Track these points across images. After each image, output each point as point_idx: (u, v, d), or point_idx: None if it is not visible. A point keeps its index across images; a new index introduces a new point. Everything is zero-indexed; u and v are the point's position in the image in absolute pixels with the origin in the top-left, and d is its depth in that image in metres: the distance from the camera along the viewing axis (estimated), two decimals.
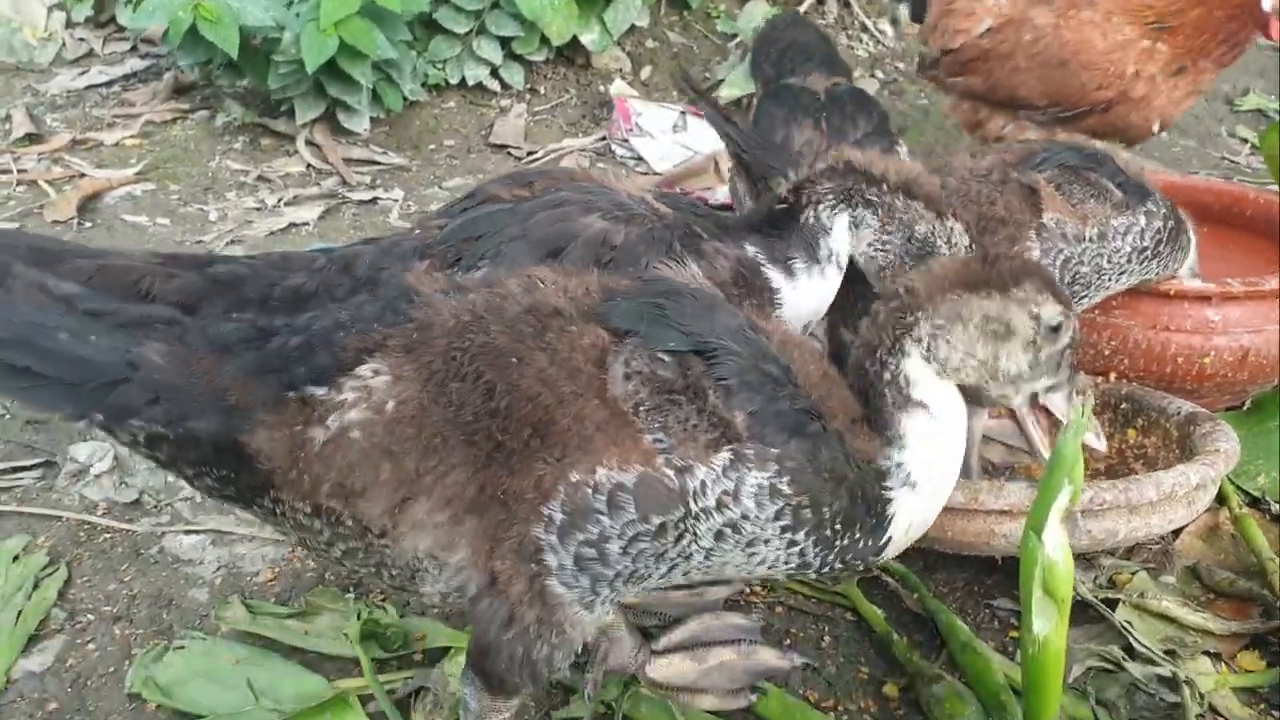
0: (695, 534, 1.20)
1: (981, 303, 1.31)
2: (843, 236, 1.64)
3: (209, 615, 1.72)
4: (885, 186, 1.63)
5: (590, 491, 1.15)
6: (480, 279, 1.29)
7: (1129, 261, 1.94)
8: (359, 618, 1.68)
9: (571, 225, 1.53)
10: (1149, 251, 1.95)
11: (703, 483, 1.17)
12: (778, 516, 1.21)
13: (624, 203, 1.58)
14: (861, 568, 1.42)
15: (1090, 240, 1.89)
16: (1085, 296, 1.94)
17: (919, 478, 1.29)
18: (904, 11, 4.10)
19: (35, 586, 1.76)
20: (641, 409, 1.17)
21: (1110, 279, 1.94)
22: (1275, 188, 2.71)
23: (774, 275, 1.62)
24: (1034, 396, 1.39)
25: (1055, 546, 1.27)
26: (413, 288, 1.26)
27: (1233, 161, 4.16)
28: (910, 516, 1.31)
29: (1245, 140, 4.29)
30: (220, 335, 1.23)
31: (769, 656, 1.61)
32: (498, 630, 1.21)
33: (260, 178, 3.33)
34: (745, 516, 1.20)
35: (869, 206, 1.64)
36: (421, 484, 1.16)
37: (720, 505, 1.18)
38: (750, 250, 1.61)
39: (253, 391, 1.18)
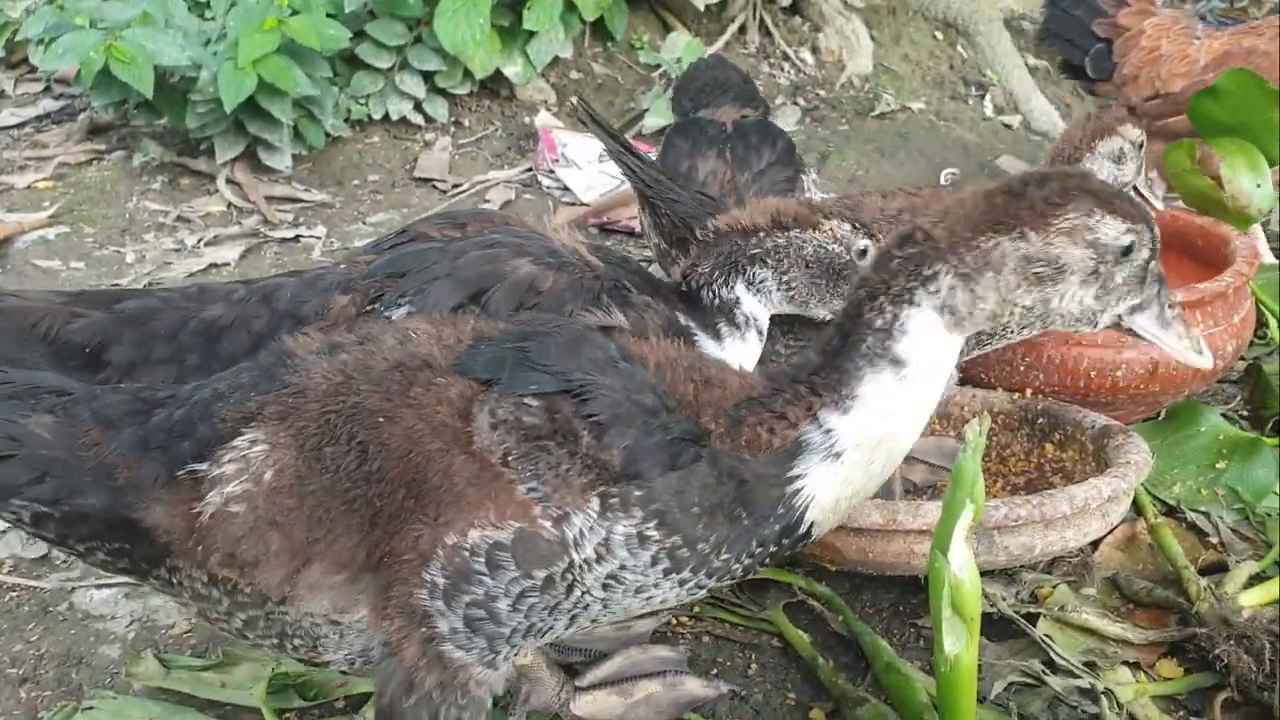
0: (584, 584, 1.16)
1: (1016, 245, 1.17)
2: (750, 300, 1.65)
3: (121, 673, 1.67)
4: (759, 234, 1.63)
5: (468, 554, 1.11)
6: (359, 334, 1.26)
7: None
8: (273, 670, 1.64)
9: (499, 267, 1.51)
10: None
11: (580, 531, 1.13)
12: (654, 562, 1.16)
13: (556, 250, 1.57)
14: (790, 556, 1.34)
15: None
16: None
17: (847, 445, 1.19)
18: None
19: None
20: (511, 458, 1.13)
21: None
22: (1181, 204, 2.78)
23: (706, 342, 1.63)
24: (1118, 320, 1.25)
25: (961, 565, 1.27)
26: (289, 350, 1.23)
27: (1148, 177, 4.27)
28: (834, 490, 1.21)
29: (1163, 157, 4.41)
30: (105, 408, 1.19)
31: (695, 686, 1.60)
32: (399, 696, 1.17)
33: (179, 218, 3.28)
34: (624, 566, 1.16)
35: (754, 262, 1.64)
36: (313, 550, 1.13)
37: (599, 556, 1.14)
38: (682, 318, 1.62)
39: (142, 469, 1.15)
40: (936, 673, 1.36)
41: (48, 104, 3.89)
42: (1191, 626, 1.69)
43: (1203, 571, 1.80)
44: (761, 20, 4.74)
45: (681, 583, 1.20)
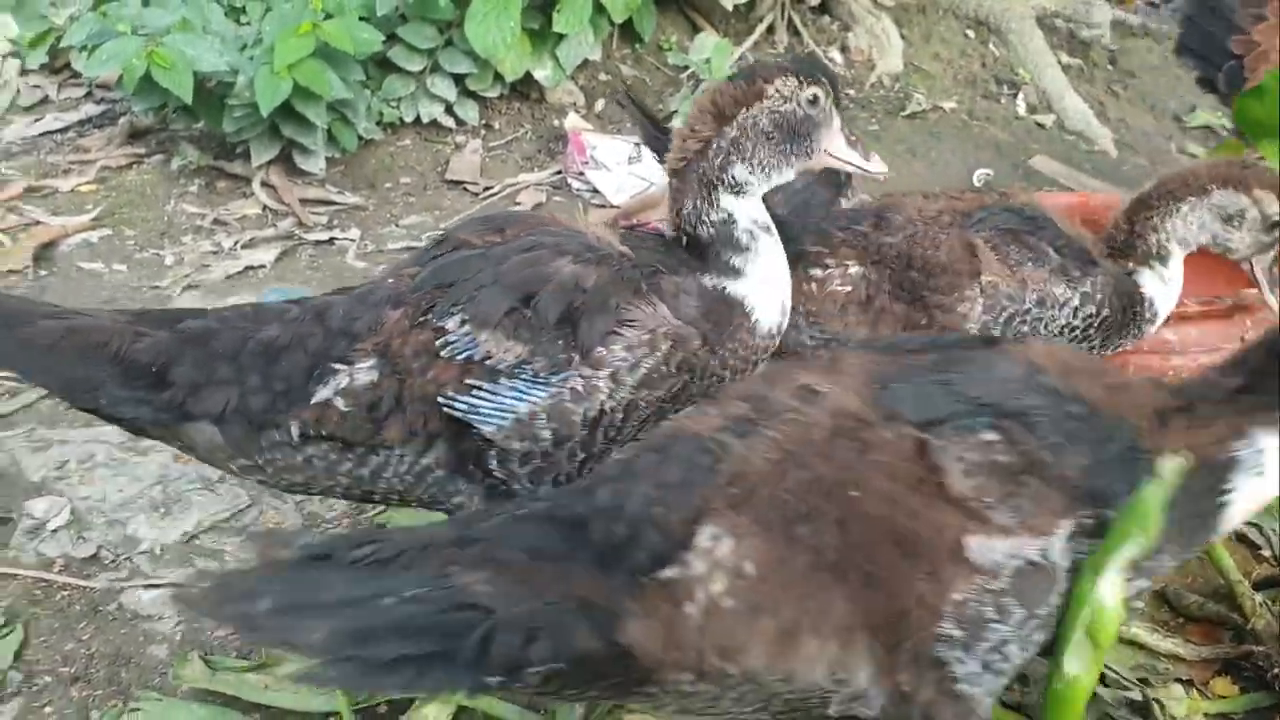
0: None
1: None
2: (742, 207, 1.61)
3: (168, 673, 1.70)
4: (712, 141, 1.58)
5: (977, 604, 1.13)
6: (752, 404, 1.25)
7: (1057, 338, 1.92)
8: None
9: (543, 270, 1.52)
10: (1078, 333, 1.93)
11: (1062, 559, 1.15)
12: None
13: (593, 245, 1.57)
14: None
15: (1032, 304, 1.89)
16: None
17: (1271, 465, 1.25)
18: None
19: None
20: (991, 499, 1.13)
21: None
22: None
23: (729, 285, 1.60)
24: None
25: (1110, 594, 1.22)
26: (703, 440, 1.21)
27: None
28: (1247, 507, 1.28)
29: (1195, 156, 4.39)
30: (529, 544, 1.15)
31: None
32: None
33: (216, 221, 3.32)
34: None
35: (725, 169, 1.59)
36: (805, 624, 1.12)
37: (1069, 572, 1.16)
38: (707, 280, 1.60)
39: (609, 590, 1.12)
40: (1049, 688, 1.32)
41: (89, 109, 3.94)
42: (1247, 644, 1.66)
43: (1256, 586, 1.77)
44: (790, 20, 4.73)
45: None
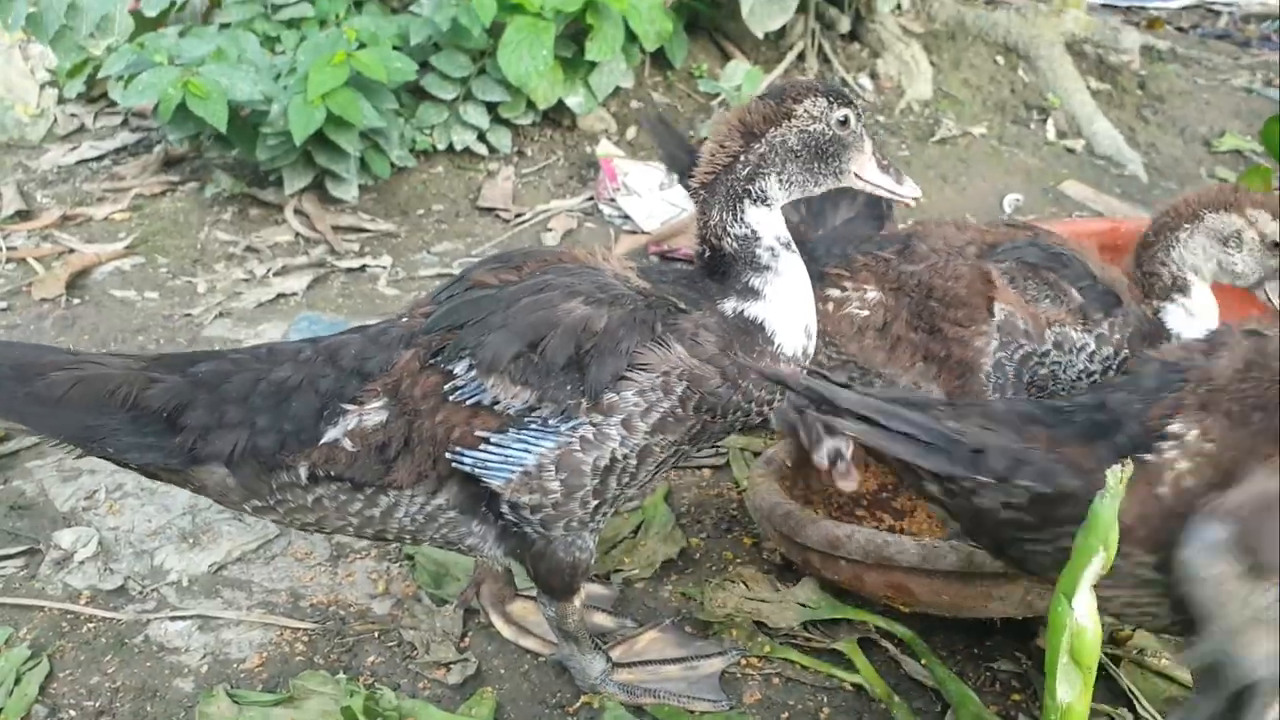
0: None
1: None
2: (765, 221, 1.58)
3: (194, 707, 1.69)
4: (740, 156, 1.56)
5: None
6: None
7: (1076, 381, 1.89)
8: (351, 696, 1.65)
9: (552, 314, 1.49)
10: (1098, 377, 1.89)
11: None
12: None
13: (607, 284, 1.54)
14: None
15: (1050, 346, 1.88)
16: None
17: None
18: None
19: (17, 681, 1.73)
20: None
21: (1060, 391, 1.90)
22: None
23: (753, 311, 1.57)
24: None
25: (1085, 613, 1.24)
26: (1190, 362, 1.44)
27: None
28: None
29: (1223, 180, 4.33)
30: (1019, 413, 1.44)
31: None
32: None
33: (249, 248, 3.35)
34: None
35: (751, 181, 1.56)
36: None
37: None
38: (727, 306, 1.57)
39: (1095, 457, 1.36)
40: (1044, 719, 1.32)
41: (125, 137, 4.00)
42: None
43: None
44: (820, 47, 4.73)
45: None
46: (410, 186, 3.74)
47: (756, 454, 2.30)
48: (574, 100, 3.90)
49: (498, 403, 1.48)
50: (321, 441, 1.51)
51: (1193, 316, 1.93)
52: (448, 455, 1.49)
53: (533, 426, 1.48)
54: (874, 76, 4.78)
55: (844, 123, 1.56)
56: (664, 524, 2.11)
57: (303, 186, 3.47)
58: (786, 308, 1.58)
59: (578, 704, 1.71)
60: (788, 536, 1.86)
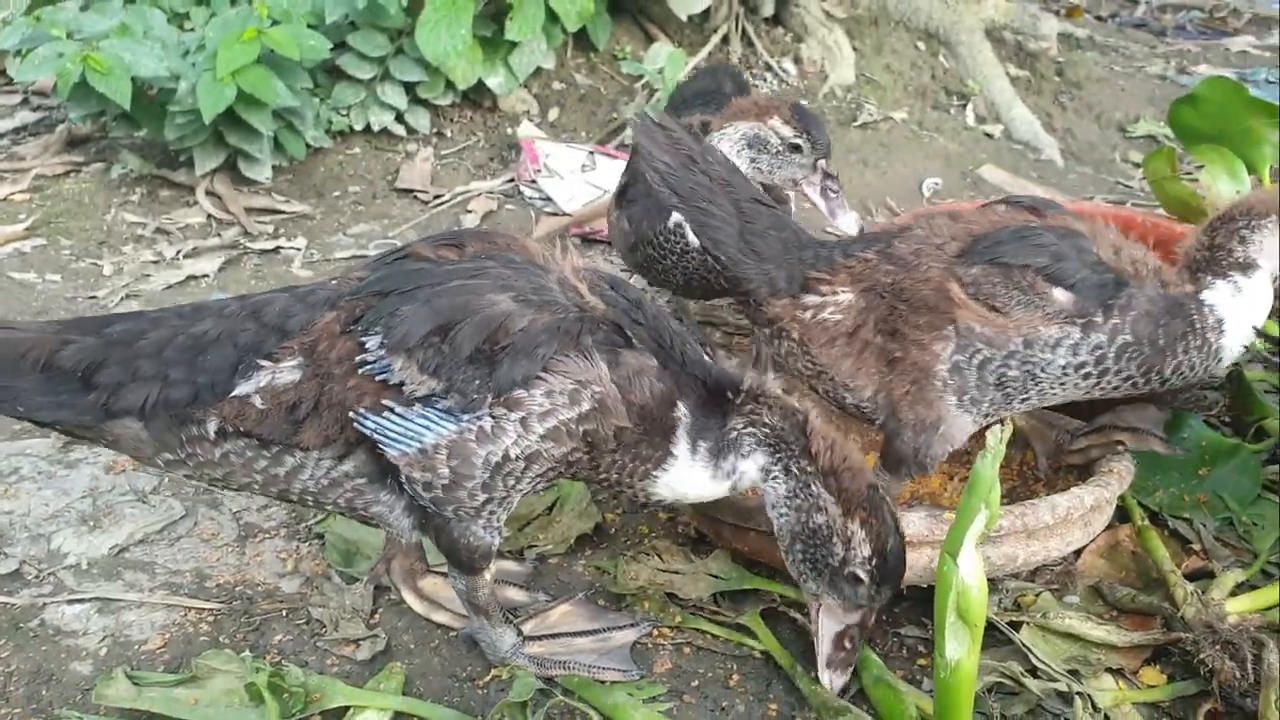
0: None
1: None
2: (752, 474, 1.59)
3: (92, 690, 1.64)
4: (807, 463, 1.56)
5: None
6: None
7: (1065, 375, 1.76)
8: (256, 674, 1.62)
9: (474, 300, 1.47)
10: (1091, 368, 1.75)
11: None
12: None
13: (544, 287, 1.52)
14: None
15: (1017, 347, 1.73)
16: (1025, 398, 1.80)
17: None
18: None
19: None
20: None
21: (1051, 387, 1.78)
22: (1161, 211, 2.79)
23: (681, 443, 1.55)
24: None
25: (971, 572, 1.27)
26: None
27: (1126, 186, 4.30)
28: None
29: (1138, 165, 4.45)
30: None
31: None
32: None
33: (158, 230, 3.26)
34: None
35: (786, 473, 1.57)
36: None
37: None
38: (679, 403, 1.55)
39: None
40: (935, 678, 1.35)
41: (25, 116, 3.87)
42: (1176, 631, 1.68)
43: (1187, 579, 1.80)
44: (744, 31, 4.75)
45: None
46: (326, 167, 3.67)
47: None
48: (494, 81, 3.86)
49: (404, 385, 1.48)
50: (232, 394, 1.50)
51: (1240, 294, 1.80)
52: (351, 415, 1.49)
53: (437, 407, 1.48)
54: (797, 61, 4.81)
55: (853, 579, 1.55)
56: (579, 500, 2.10)
57: (214, 167, 3.39)
58: (689, 479, 1.58)
59: (488, 677, 1.69)
60: (701, 509, 1.86)
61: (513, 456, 1.49)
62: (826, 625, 1.60)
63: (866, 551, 1.53)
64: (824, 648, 1.61)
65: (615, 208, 2.59)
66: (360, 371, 1.48)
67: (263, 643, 1.77)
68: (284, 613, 1.83)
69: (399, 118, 3.80)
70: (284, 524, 2.06)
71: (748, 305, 1.90)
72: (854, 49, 4.92)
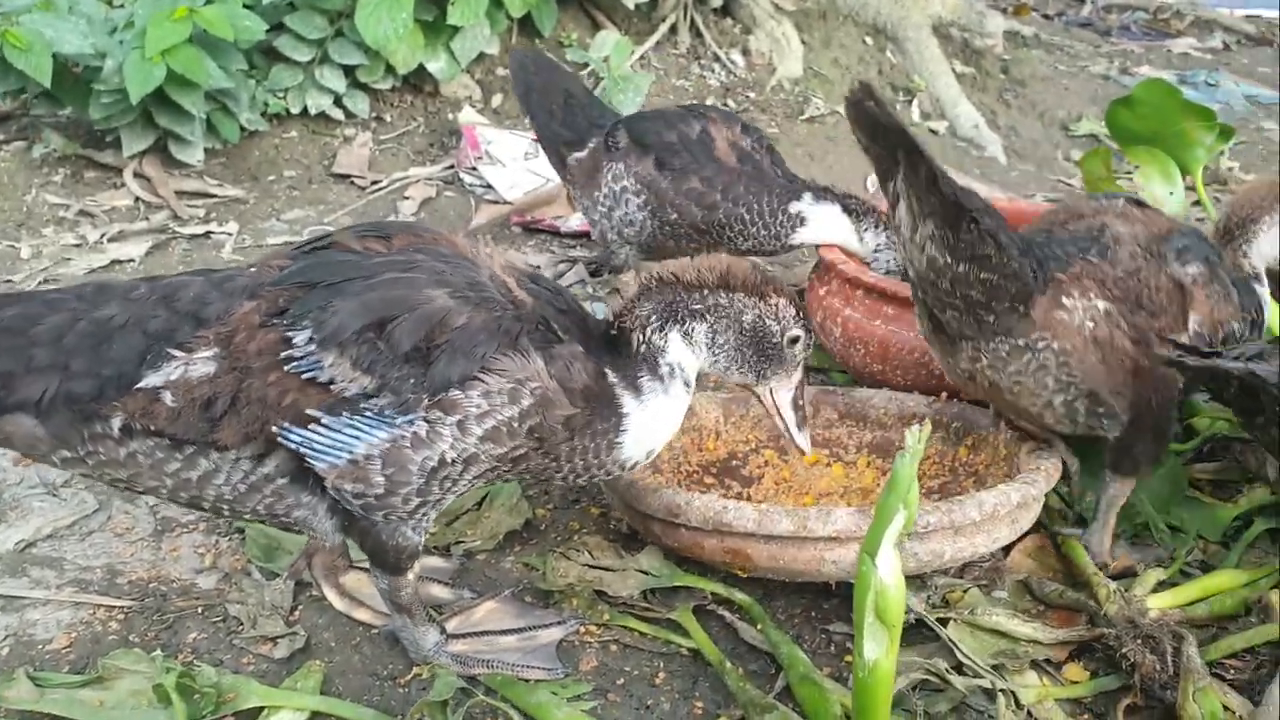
0: None
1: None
2: (681, 352, 1.61)
3: None
4: (704, 290, 1.60)
5: None
6: None
7: None
8: (165, 674, 1.56)
9: (411, 295, 1.42)
10: None
11: None
12: None
13: (479, 283, 1.48)
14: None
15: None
16: None
17: None
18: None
19: None
20: None
21: None
22: None
23: (625, 398, 1.57)
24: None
25: (889, 571, 1.25)
26: None
27: (1067, 184, 4.34)
28: None
29: (1079, 164, 4.49)
30: None
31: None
32: None
33: (82, 212, 3.16)
34: None
35: (694, 316, 1.60)
36: None
37: None
38: (609, 373, 1.56)
39: None
40: (854, 678, 1.33)
41: None
42: (1100, 628, 1.69)
43: (1111, 577, 1.81)
44: (692, 21, 4.73)
45: None
46: (261, 151, 3.59)
47: None
48: (435, 66, 3.80)
49: (334, 383, 1.40)
50: (138, 386, 1.40)
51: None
52: (274, 429, 1.41)
53: (367, 414, 1.41)
54: (745, 53, 4.80)
55: (794, 341, 1.64)
56: (509, 496, 2.06)
57: (143, 148, 3.29)
58: (651, 422, 1.59)
59: (410, 675, 1.65)
60: (630, 505, 1.84)
61: (449, 460, 1.45)
62: (783, 399, 1.70)
63: (792, 311, 1.63)
64: (788, 416, 1.70)
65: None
66: (285, 369, 1.40)
67: (175, 641, 1.71)
68: (199, 610, 1.77)
69: (337, 101, 3.73)
70: (204, 518, 2.00)
71: (985, 308, 1.69)
72: (802, 42, 4.92)
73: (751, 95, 4.54)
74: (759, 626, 1.74)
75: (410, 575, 1.60)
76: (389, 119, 3.85)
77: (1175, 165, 2.69)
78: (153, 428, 1.41)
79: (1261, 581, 1.81)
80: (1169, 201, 2.68)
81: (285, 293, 1.44)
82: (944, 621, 1.72)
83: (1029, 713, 1.57)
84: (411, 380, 1.40)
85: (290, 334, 1.41)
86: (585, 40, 4.37)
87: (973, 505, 1.68)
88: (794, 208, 2.55)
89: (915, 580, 1.79)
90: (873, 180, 4.20)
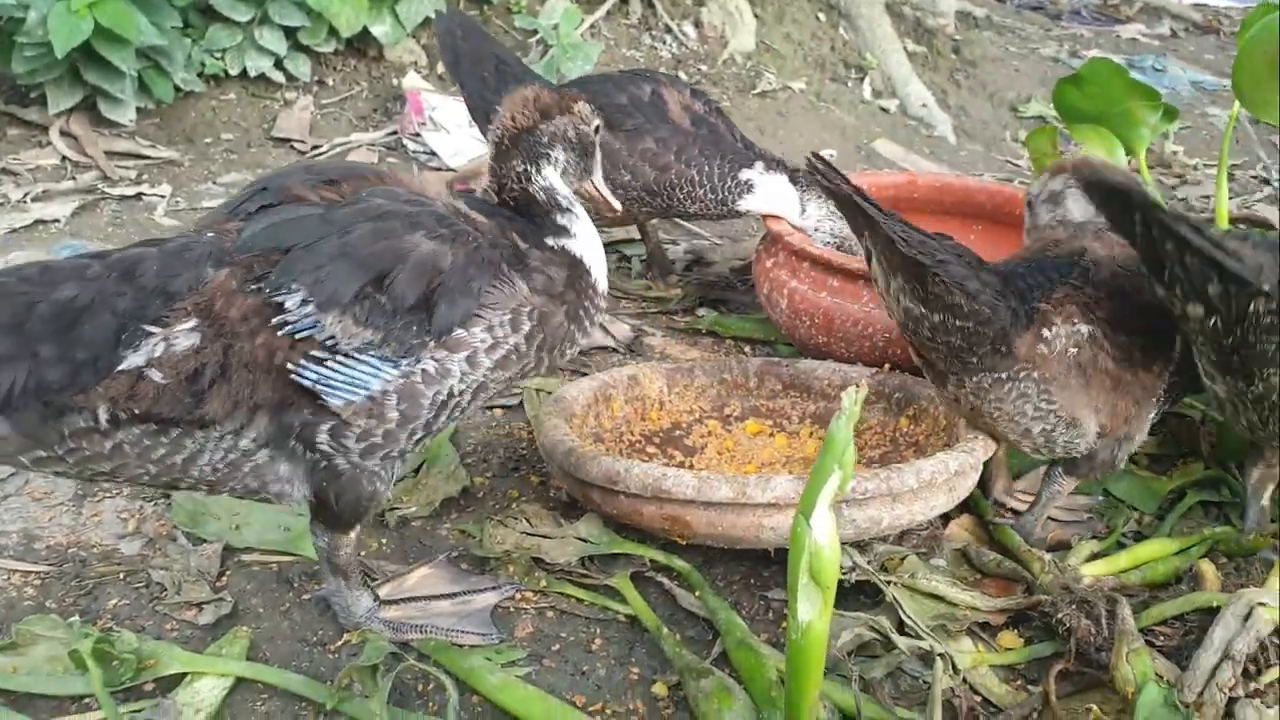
0: None
1: None
2: (558, 181, 1.68)
3: None
4: (537, 126, 1.67)
5: None
6: None
7: None
8: (82, 639, 1.51)
9: (397, 245, 1.40)
10: None
11: None
12: None
13: (443, 217, 1.47)
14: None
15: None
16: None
17: None
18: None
19: None
20: None
21: None
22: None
23: (572, 246, 1.63)
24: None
25: (824, 533, 1.24)
26: None
27: (1015, 164, 4.37)
28: None
29: (1026, 142, 4.52)
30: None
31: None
32: None
33: (4, 170, 3.05)
34: None
35: (550, 146, 1.67)
36: None
37: None
38: (550, 242, 1.61)
39: None
40: (788, 639, 1.32)
41: None
42: (1036, 595, 1.70)
43: (1048, 550, 1.82)
44: None
45: None
46: (198, 112, 3.49)
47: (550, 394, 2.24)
48: (380, 29, 3.71)
49: (333, 339, 1.38)
50: (120, 369, 1.32)
51: None
52: (289, 367, 1.37)
53: (371, 356, 1.40)
54: (698, 25, 4.76)
55: (598, 130, 1.73)
56: (447, 463, 2.03)
57: (70, 106, 3.18)
58: (592, 247, 1.65)
59: (340, 641, 1.62)
60: (570, 473, 1.81)
61: (457, 392, 1.47)
62: (600, 182, 1.79)
63: (588, 107, 1.72)
64: (604, 189, 1.79)
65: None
66: (279, 333, 1.36)
67: (95, 607, 1.65)
68: (121, 575, 1.72)
69: (278, 64, 3.63)
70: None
71: (967, 351, 1.68)
72: (755, 16, 4.89)
73: (703, 68, 4.51)
74: (697, 593, 1.73)
75: (353, 535, 1.57)
76: (331, 83, 3.77)
77: (1119, 143, 2.70)
78: (138, 411, 1.34)
79: (1193, 550, 1.83)
80: None
81: (258, 259, 1.38)
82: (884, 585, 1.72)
83: (964, 678, 1.57)
84: (414, 327, 1.41)
85: (279, 298, 1.37)
86: (535, 7, 4.30)
87: (910, 473, 1.67)
88: (744, 174, 2.54)
89: (854, 548, 1.79)
90: (826, 155, 4.20)
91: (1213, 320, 1.52)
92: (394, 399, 1.42)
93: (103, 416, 1.33)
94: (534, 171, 1.64)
